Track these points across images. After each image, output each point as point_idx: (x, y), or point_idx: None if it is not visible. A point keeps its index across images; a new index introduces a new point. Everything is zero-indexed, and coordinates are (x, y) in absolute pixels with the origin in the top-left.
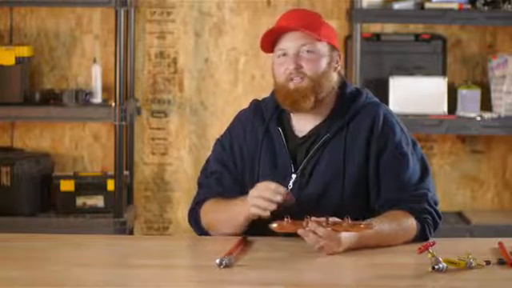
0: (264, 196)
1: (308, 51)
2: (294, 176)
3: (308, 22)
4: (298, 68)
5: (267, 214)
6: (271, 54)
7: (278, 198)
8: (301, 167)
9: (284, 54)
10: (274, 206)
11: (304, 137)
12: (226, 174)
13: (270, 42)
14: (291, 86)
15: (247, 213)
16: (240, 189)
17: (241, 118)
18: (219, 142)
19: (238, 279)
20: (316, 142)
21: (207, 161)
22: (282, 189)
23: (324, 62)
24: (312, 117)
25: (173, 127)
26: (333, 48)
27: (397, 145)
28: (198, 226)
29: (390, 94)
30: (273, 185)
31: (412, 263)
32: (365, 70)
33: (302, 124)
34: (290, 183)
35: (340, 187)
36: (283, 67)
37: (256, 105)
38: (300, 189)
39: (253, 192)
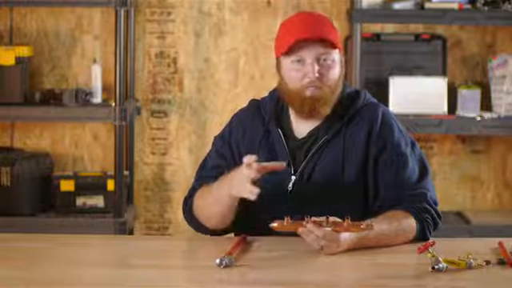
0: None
1: (326, 59)
2: (293, 177)
3: (326, 30)
4: (320, 77)
5: (253, 197)
6: (273, 55)
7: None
8: (300, 168)
9: (299, 61)
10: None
11: (303, 138)
12: (227, 170)
13: (285, 45)
14: (308, 93)
15: (230, 192)
16: None
17: (240, 117)
18: (219, 138)
19: (238, 279)
20: (315, 143)
21: (206, 157)
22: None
23: (338, 69)
24: (311, 118)
25: (173, 127)
26: (341, 53)
27: (395, 145)
28: (191, 218)
29: (390, 94)
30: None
31: (412, 263)
32: (365, 70)
33: (302, 125)
34: (290, 184)
35: (339, 188)
36: (299, 74)
37: (255, 104)
38: (299, 191)
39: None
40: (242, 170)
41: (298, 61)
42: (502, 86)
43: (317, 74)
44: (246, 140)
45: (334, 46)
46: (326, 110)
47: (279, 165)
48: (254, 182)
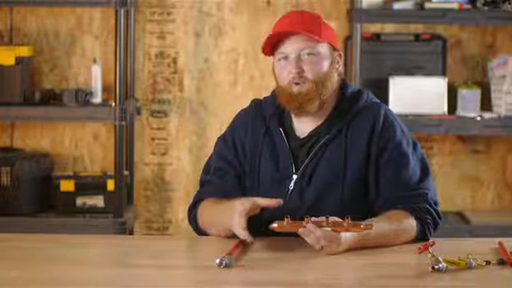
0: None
1: (309, 54)
2: (294, 177)
3: (308, 24)
4: (301, 72)
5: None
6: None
7: (247, 238)
8: (302, 168)
9: (285, 58)
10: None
11: (305, 137)
12: (230, 171)
13: (270, 45)
14: (295, 89)
15: (230, 225)
16: (243, 187)
17: (242, 117)
18: (221, 140)
19: (238, 279)
20: (317, 142)
21: (209, 160)
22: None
23: (326, 64)
24: (313, 117)
25: (173, 127)
26: (333, 48)
27: (397, 145)
28: (195, 225)
29: (390, 94)
30: (236, 218)
31: (412, 263)
32: (365, 69)
33: (303, 125)
34: (291, 184)
35: (340, 188)
36: (285, 71)
37: (256, 104)
38: (301, 190)
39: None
40: (234, 217)
41: (284, 58)
42: (502, 86)
43: (297, 69)
44: (249, 140)
45: (316, 40)
46: (314, 106)
47: (275, 201)
48: (250, 220)
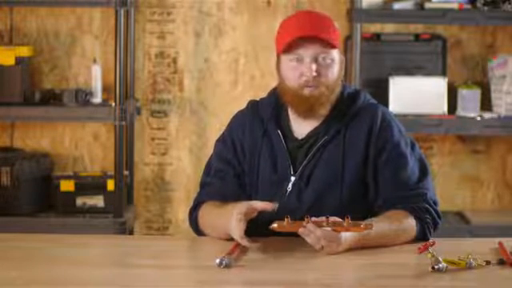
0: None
1: (324, 58)
2: (292, 178)
3: (325, 29)
4: (317, 76)
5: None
6: (273, 55)
7: (245, 243)
8: (300, 169)
9: (297, 59)
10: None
11: (303, 139)
12: (230, 172)
13: (283, 43)
14: (306, 92)
15: (229, 230)
16: (243, 187)
17: (239, 118)
18: (220, 142)
19: (238, 279)
20: (315, 143)
21: (209, 161)
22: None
23: (337, 69)
24: (311, 118)
25: (173, 127)
26: (340, 53)
27: (395, 145)
28: (196, 227)
29: (390, 94)
30: (233, 222)
31: (412, 263)
32: (365, 69)
33: (301, 126)
34: (289, 185)
35: (339, 189)
36: (297, 72)
37: (253, 105)
38: (299, 191)
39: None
40: (232, 222)
41: (297, 59)
42: (502, 86)
43: (314, 73)
44: (248, 141)
45: (332, 46)
46: (324, 110)
47: (271, 205)
48: (249, 222)
